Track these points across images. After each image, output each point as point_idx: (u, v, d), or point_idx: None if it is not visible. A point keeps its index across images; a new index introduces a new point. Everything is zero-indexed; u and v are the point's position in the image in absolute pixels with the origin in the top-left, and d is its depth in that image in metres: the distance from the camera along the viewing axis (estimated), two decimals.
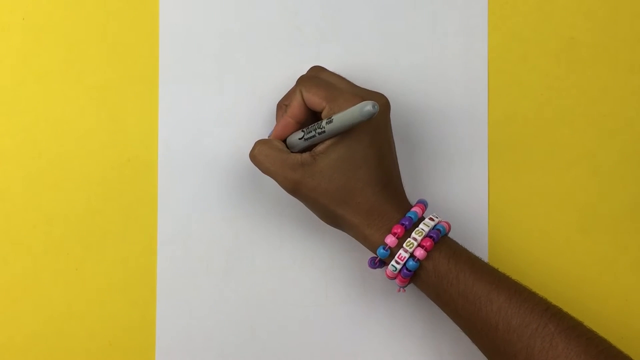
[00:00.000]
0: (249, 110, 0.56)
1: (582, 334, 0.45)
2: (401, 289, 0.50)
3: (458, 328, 0.50)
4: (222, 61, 0.56)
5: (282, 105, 0.53)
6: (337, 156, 0.48)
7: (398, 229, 0.48)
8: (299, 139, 0.50)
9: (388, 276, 0.49)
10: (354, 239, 0.53)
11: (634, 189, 0.56)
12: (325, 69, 0.53)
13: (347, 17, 0.56)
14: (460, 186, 0.55)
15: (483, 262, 0.49)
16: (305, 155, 0.49)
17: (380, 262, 0.50)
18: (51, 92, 0.55)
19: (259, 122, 0.55)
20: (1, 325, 0.55)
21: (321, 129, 0.48)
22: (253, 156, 0.50)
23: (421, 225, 0.48)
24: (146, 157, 0.55)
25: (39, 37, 0.55)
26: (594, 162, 0.56)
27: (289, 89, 0.53)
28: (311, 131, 0.49)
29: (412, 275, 0.48)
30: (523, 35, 0.56)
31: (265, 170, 0.50)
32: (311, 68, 0.53)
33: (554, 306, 0.46)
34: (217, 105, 0.55)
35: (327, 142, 0.48)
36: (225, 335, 0.55)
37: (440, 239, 0.48)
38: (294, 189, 0.49)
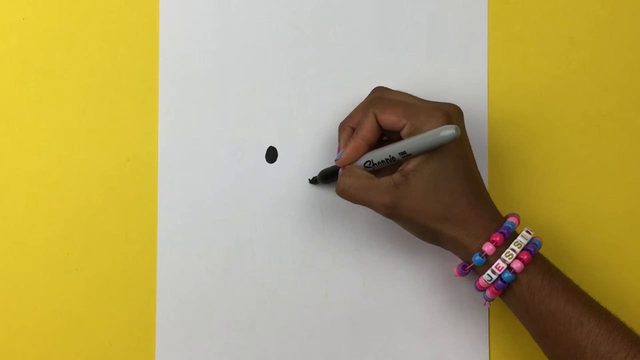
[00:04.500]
0: (249, 109, 0.56)
1: None
2: (487, 302, 0.50)
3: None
4: (222, 61, 0.56)
5: (347, 127, 0.52)
6: (430, 171, 0.47)
7: (497, 237, 0.47)
8: (365, 165, 0.49)
9: (479, 287, 0.49)
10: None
11: (634, 189, 0.56)
12: (389, 89, 0.52)
13: (347, 17, 0.56)
14: None
15: (574, 284, 0.48)
16: (396, 176, 0.48)
17: (468, 270, 0.49)
18: (51, 92, 0.55)
19: (259, 122, 0.55)
20: (1, 325, 0.55)
21: (396, 161, 0.48)
22: (342, 191, 0.49)
23: (519, 237, 0.48)
24: (146, 157, 0.55)
25: (39, 37, 0.55)
26: (594, 162, 0.56)
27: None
28: (385, 164, 0.48)
29: (505, 287, 0.48)
30: (523, 35, 0.56)
31: (360, 202, 0.49)
32: (374, 90, 0.52)
33: None
34: (216, 105, 0.55)
35: (416, 160, 0.47)
36: (225, 335, 0.55)
37: (535, 253, 0.48)
38: (392, 213, 0.48)
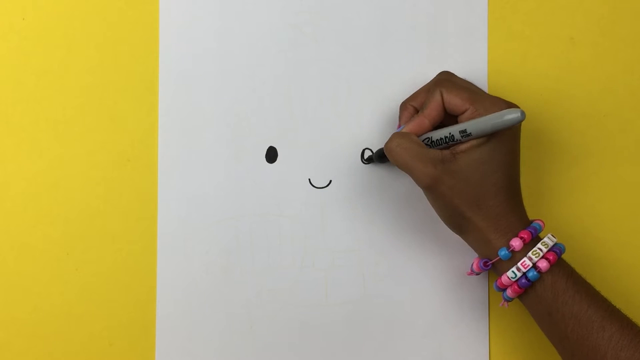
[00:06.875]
0: (249, 109, 0.56)
1: None
2: (505, 302, 0.50)
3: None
4: (222, 61, 0.56)
5: (409, 106, 0.52)
6: (478, 157, 0.47)
7: (525, 234, 0.47)
8: (426, 144, 0.49)
9: (501, 284, 0.48)
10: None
11: (634, 189, 0.56)
12: (455, 74, 0.52)
13: (347, 17, 0.56)
14: None
15: (596, 289, 0.48)
16: (446, 152, 0.48)
17: (490, 265, 0.49)
18: (51, 92, 0.55)
19: (259, 122, 0.55)
20: (1, 325, 0.55)
21: (454, 141, 0.48)
22: (390, 149, 0.49)
23: (545, 239, 0.48)
24: (146, 157, 0.55)
25: (39, 37, 0.55)
26: (594, 162, 0.56)
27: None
28: (442, 143, 0.48)
29: (529, 287, 0.48)
30: (523, 35, 0.56)
31: (402, 164, 0.49)
32: (441, 73, 0.52)
33: None
34: (216, 105, 0.55)
35: (470, 142, 0.47)
36: (225, 335, 0.55)
37: (559, 257, 0.48)
38: (431, 185, 0.48)
